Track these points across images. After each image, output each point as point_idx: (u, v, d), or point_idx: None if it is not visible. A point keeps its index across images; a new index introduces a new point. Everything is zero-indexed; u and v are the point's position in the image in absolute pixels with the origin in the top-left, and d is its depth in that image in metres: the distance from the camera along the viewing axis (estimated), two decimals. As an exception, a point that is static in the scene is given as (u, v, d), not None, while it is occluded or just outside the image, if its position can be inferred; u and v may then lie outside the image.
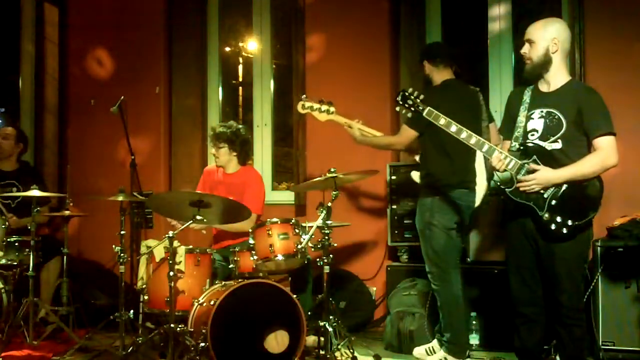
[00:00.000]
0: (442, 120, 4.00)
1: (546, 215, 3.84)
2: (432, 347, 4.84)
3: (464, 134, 3.95)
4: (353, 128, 4.99)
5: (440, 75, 4.86)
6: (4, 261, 5.30)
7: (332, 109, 5.04)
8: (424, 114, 4.03)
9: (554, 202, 3.83)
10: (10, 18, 7.13)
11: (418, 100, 4.05)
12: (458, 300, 4.63)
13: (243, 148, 5.53)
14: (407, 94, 4.09)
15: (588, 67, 5.47)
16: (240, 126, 5.57)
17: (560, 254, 3.87)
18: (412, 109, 4.07)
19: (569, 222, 3.82)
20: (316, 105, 5.07)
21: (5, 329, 5.08)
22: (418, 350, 4.90)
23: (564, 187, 3.83)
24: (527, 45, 4.01)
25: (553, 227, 3.83)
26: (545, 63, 3.98)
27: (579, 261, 3.97)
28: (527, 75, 4.05)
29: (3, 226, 5.18)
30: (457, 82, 4.90)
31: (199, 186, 5.58)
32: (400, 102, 4.09)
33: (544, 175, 3.83)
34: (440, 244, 4.63)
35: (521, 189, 3.87)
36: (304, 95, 5.15)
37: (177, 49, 6.90)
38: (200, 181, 5.62)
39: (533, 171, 3.85)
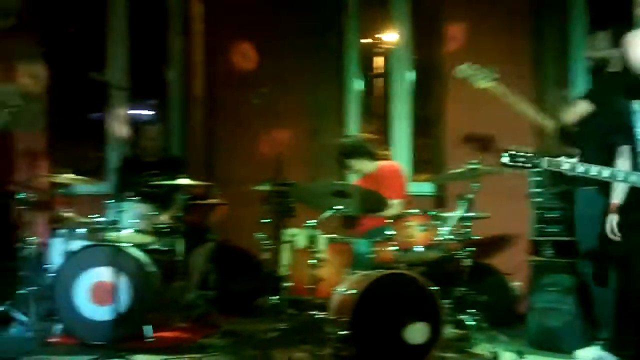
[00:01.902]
0: (566, 166, 3.79)
1: None
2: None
3: (594, 171, 3.74)
4: (513, 100, 4.81)
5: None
6: (155, 246, 5.58)
7: (494, 75, 4.88)
8: (545, 166, 3.83)
9: None
10: (159, 13, 7.40)
11: (530, 155, 3.86)
12: (613, 297, 4.44)
13: (362, 151, 5.62)
14: (513, 153, 3.88)
15: None
16: (343, 140, 5.77)
17: None
18: (528, 165, 3.86)
19: None
20: (476, 71, 4.94)
21: (156, 311, 5.33)
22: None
23: None
24: None
25: None
26: None
27: None
28: None
29: (155, 213, 5.43)
30: None
31: None
32: (511, 164, 3.89)
33: None
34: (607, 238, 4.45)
35: None
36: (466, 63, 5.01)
37: (317, 40, 6.97)
38: None
39: None
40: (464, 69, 4.97)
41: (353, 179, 5.99)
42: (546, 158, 3.81)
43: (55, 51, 6.86)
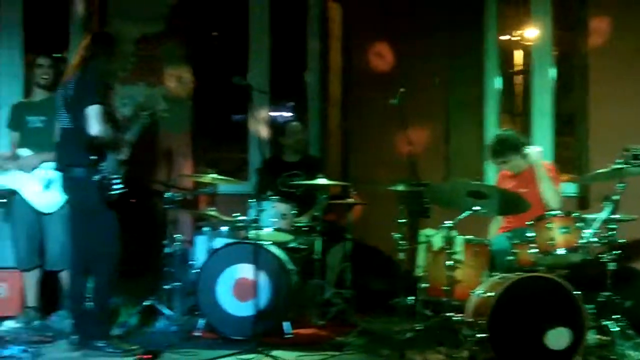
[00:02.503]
0: None
1: None
2: None
3: None
4: None
5: None
6: (293, 244, 5.70)
7: None
8: None
9: None
10: (298, 17, 7.56)
11: None
12: None
13: (518, 146, 5.46)
14: (635, 152, 3.64)
15: None
16: (500, 133, 5.60)
17: None
18: None
19: None
20: None
21: (295, 308, 5.43)
22: None
23: None
24: None
25: None
26: None
27: None
28: None
29: (293, 212, 5.55)
30: None
31: None
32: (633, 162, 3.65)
33: None
34: None
35: None
36: None
37: (455, 38, 6.90)
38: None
39: None
40: None
41: (494, 179, 5.87)
42: None
43: (199, 55, 7.14)
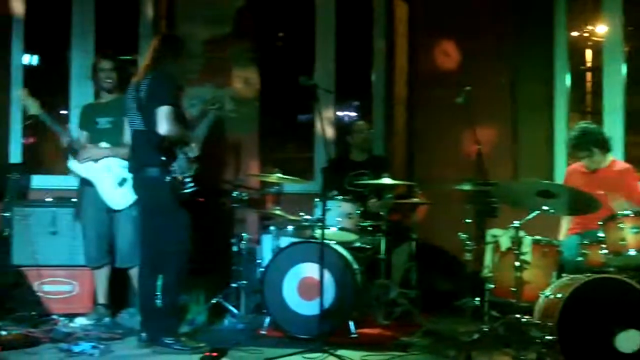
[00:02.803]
0: None
1: None
2: None
3: None
4: None
5: None
6: (358, 244, 5.70)
7: None
8: None
9: None
10: (364, 17, 7.56)
11: None
12: None
13: (601, 141, 5.32)
14: None
15: None
16: (582, 125, 5.41)
17: None
18: None
19: None
20: None
21: (359, 308, 5.43)
22: None
23: None
24: None
25: None
26: None
27: None
28: None
29: (358, 211, 5.55)
30: None
31: None
32: None
33: None
34: None
35: None
36: None
37: (523, 36, 6.81)
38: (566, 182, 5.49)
39: None
40: None
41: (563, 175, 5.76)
42: None
43: (266, 56, 7.20)
